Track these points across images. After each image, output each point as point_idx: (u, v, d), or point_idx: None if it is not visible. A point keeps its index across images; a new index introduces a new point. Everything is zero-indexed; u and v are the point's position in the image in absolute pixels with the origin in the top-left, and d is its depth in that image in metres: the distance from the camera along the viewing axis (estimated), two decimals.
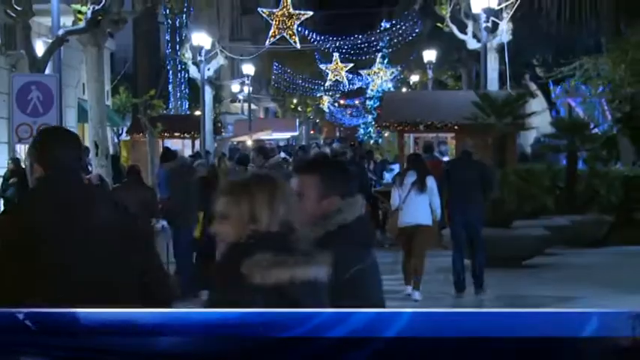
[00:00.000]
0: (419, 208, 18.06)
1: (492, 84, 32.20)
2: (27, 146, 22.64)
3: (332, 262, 4.43)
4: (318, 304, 4.24)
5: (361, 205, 5.34)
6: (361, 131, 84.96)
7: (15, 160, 27.29)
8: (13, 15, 21.65)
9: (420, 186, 18.01)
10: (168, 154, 21.10)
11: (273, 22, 50.72)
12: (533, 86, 38.47)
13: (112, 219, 5.61)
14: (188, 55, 45.46)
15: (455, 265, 18.77)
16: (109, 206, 5.83)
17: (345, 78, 72.01)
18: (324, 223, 5.05)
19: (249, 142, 47.33)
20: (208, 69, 44.40)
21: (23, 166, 25.57)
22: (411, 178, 18.17)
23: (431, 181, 18.13)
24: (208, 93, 45.11)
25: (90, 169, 29.20)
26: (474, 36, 33.75)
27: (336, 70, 70.15)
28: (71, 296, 4.90)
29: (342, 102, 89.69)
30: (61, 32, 22.38)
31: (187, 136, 43.87)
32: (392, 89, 67.93)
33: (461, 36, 35.01)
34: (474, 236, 18.84)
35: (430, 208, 18.08)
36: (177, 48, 49.01)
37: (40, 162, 5.65)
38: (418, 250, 18.33)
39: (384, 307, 5.19)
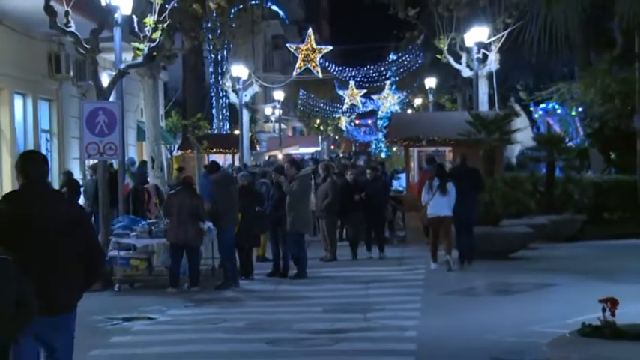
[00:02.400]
0: (443, 204, 20.68)
1: (483, 105, 32.20)
2: (94, 162, 22.81)
3: None
4: None
5: None
6: (373, 146, 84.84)
7: (68, 173, 27.25)
8: (83, 52, 21.74)
9: (443, 189, 20.64)
10: (214, 167, 21.16)
11: (299, 56, 50.71)
12: (517, 107, 38.42)
13: (64, 209, 7.40)
14: (228, 83, 45.54)
15: (458, 243, 21.31)
16: (62, 201, 7.67)
17: (359, 102, 71.91)
18: None
19: (280, 156, 47.35)
20: (245, 95, 44.46)
21: (78, 180, 25.63)
22: (436, 182, 20.79)
23: (450, 186, 20.70)
24: (245, 115, 45.18)
25: (148, 179, 29.33)
26: (468, 65, 33.71)
27: (352, 95, 70.09)
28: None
29: (357, 122, 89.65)
30: (122, 66, 22.47)
31: (228, 151, 43.99)
32: (399, 111, 67.71)
33: (456, 66, 34.96)
34: (468, 223, 21.33)
35: (449, 205, 20.62)
36: (219, 78, 49.08)
37: (21, 174, 7.30)
38: (444, 233, 20.91)
39: None
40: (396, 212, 27.35)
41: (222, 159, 41.00)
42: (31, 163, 7.34)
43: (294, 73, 51.61)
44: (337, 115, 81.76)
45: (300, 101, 73.15)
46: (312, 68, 49.92)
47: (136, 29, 23.39)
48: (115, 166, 23.76)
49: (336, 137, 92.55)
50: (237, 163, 39.21)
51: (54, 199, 7.45)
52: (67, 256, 7.23)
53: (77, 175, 28.20)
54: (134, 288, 18.90)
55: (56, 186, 28.17)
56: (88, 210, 26.21)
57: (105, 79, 22.55)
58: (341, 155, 67.72)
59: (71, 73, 28.54)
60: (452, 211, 20.71)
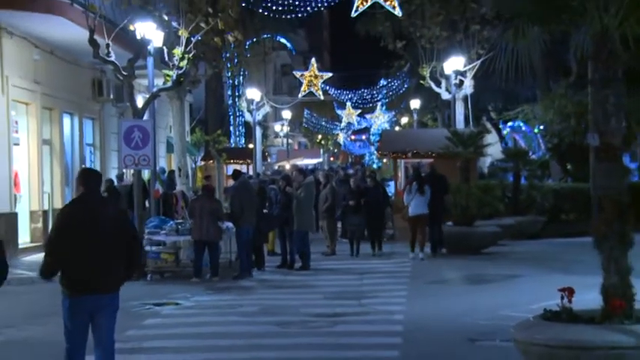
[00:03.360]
0: (421, 204, 21.52)
1: (459, 124, 32.17)
2: (132, 171, 22.82)
3: None
4: None
5: None
6: (367, 158, 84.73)
7: (109, 181, 27.21)
8: (121, 78, 21.76)
9: (421, 190, 21.54)
10: (236, 174, 21.14)
11: (304, 81, 50.66)
12: (488, 125, 38.41)
13: (112, 212, 8.02)
14: (244, 104, 45.55)
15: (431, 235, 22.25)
16: (111, 206, 8.30)
17: (355, 120, 71.96)
18: None
19: (288, 166, 47.32)
20: (258, 115, 44.47)
21: (115, 185, 25.60)
22: (415, 186, 21.58)
23: (426, 187, 21.64)
24: (258, 132, 45.18)
25: (176, 185, 29.37)
26: (446, 90, 33.73)
27: (349, 114, 70.11)
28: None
29: (352, 137, 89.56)
30: (154, 90, 22.50)
31: (243, 162, 43.92)
32: (388, 128, 67.68)
33: (437, 90, 34.98)
34: (438, 219, 22.43)
35: (426, 204, 21.54)
36: (236, 100, 49.10)
37: (82, 185, 7.95)
38: (421, 229, 21.66)
39: None
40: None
41: (239, 168, 40.99)
42: (90, 178, 8.12)
43: (300, 95, 51.61)
44: (336, 132, 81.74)
45: (304, 120, 73.17)
46: (314, 92, 49.90)
47: (166, 58, 23.50)
48: (147, 174, 23.76)
49: (335, 150, 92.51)
50: (250, 172, 39.20)
51: (105, 204, 8.28)
52: (114, 248, 7.81)
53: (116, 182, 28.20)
54: (164, 278, 18.90)
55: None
56: None
57: (139, 101, 22.58)
58: (339, 165, 67.78)
59: (111, 96, 28.61)
60: (426, 209, 21.67)
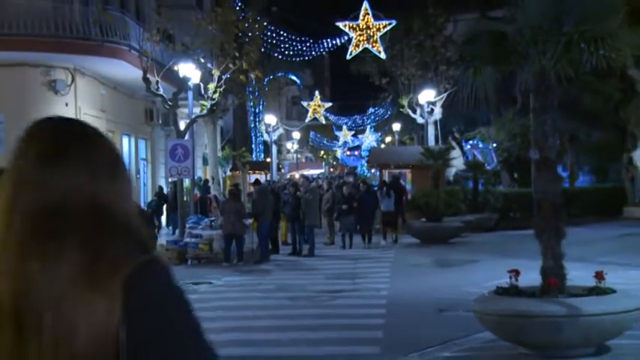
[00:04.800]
0: (389, 203, 22.69)
1: (431, 142, 32.12)
2: (173, 180, 22.84)
3: None
4: None
5: None
6: (359, 169, 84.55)
7: (159, 187, 27.20)
8: (167, 107, 21.86)
9: (388, 194, 22.77)
10: (257, 182, 21.43)
11: (310, 109, 50.83)
12: (453, 143, 38.27)
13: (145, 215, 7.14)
14: (263, 127, 45.58)
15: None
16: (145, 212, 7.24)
17: (349, 139, 71.85)
18: None
19: (297, 176, 47.32)
20: (274, 135, 44.57)
21: (165, 192, 25.63)
22: (385, 191, 22.83)
23: (392, 192, 22.94)
24: (274, 149, 45.26)
25: (210, 191, 29.37)
26: (421, 115, 33.69)
27: (345, 135, 70.02)
28: None
29: (348, 153, 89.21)
30: (193, 116, 22.57)
31: (262, 172, 43.94)
32: (375, 146, 67.64)
33: (413, 115, 34.90)
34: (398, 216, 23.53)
35: (391, 203, 22.73)
36: (257, 124, 49.17)
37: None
38: (392, 223, 22.84)
39: None
40: None
41: (259, 177, 41.01)
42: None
43: (306, 120, 51.74)
44: (335, 149, 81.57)
45: (310, 139, 73.13)
46: (318, 117, 50.02)
47: (202, 92, 23.51)
48: (188, 183, 23.79)
49: (334, 163, 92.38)
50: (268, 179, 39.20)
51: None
52: None
53: (165, 189, 28.27)
54: (200, 263, 18.89)
55: (150, 195, 28.30)
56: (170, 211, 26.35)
57: (182, 125, 22.63)
58: (337, 174, 67.72)
59: (159, 121, 28.65)
60: (393, 208, 22.79)
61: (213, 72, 23.75)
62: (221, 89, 23.40)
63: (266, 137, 45.97)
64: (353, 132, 70.19)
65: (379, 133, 70.52)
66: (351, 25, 33.01)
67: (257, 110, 49.00)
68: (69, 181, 1.43)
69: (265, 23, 30.26)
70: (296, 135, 59.49)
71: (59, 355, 1.35)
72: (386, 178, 27.94)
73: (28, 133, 1.49)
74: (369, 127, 68.45)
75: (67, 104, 21.93)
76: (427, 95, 31.51)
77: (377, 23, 32.86)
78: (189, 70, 21.70)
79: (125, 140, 27.25)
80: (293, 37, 41.57)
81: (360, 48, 32.90)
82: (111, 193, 1.46)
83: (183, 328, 1.39)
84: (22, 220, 1.41)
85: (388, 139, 67.60)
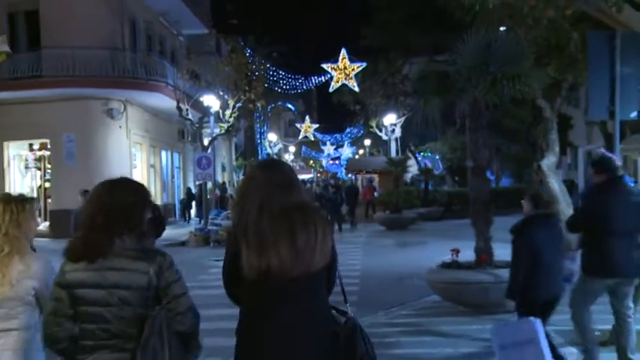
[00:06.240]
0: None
1: (393, 153, 32.17)
2: (199, 182, 22.73)
3: None
4: None
5: None
6: (339, 174, 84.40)
7: (188, 188, 26.94)
8: (195, 128, 21.75)
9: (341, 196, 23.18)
10: None
11: (302, 129, 50.68)
12: (410, 154, 38.36)
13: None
14: (266, 143, 45.41)
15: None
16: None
17: (332, 152, 71.77)
18: None
19: None
20: (275, 149, 44.41)
21: (193, 192, 25.39)
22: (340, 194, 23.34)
23: (344, 194, 23.67)
24: None
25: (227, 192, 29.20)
26: (385, 134, 33.70)
27: (328, 148, 69.94)
28: None
29: (331, 162, 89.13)
30: (214, 135, 22.49)
31: None
32: (352, 157, 67.63)
33: (379, 134, 34.87)
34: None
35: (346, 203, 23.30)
36: (262, 140, 48.98)
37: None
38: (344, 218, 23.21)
39: None
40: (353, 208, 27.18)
41: None
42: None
43: (299, 137, 51.57)
44: (321, 159, 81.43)
45: (302, 152, 73.00)
46: (308, 135, 49.89)
47: (221, 117, 23.46)
48: (210, 185, 23.72)
49: (321, 170, 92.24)
50: None
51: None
52: None
53: (193, 190, 28.14)
54: (220, 245, 18.81)
55: (183, 194, 28.14)
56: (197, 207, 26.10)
57: (205, 142, 22.58)
58: (323, 178, 67.62)
59: (189, 139, 28.54)
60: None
61: (229, 102, 23.72)
62: (235, 115, 23.39)
63: (269, 150, 45.79)
64: (335, 146, 70.07)
65: (354, 147, 70.42)
66: (332, 66, 33.18)
67: (262, 130, 48.72)
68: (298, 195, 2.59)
69: (268, 65, 30.31)
70: (292, 149, 59.39)
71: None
72: (360, 181, 27.98)
73: (267, 170, 2.65)
74: (346, 142, 68.32)
75: (120, 127, 21.89)
76: (390, 118, 31.56)
77: (352, 65, 33.00)
78: (211, 101, 21.69)
79: (164, 154, 27.15)
80: (289, 76, 41.49)
81: (340, 83, 32.99)
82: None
83: None
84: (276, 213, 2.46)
85: (361, 151, 67.51)
